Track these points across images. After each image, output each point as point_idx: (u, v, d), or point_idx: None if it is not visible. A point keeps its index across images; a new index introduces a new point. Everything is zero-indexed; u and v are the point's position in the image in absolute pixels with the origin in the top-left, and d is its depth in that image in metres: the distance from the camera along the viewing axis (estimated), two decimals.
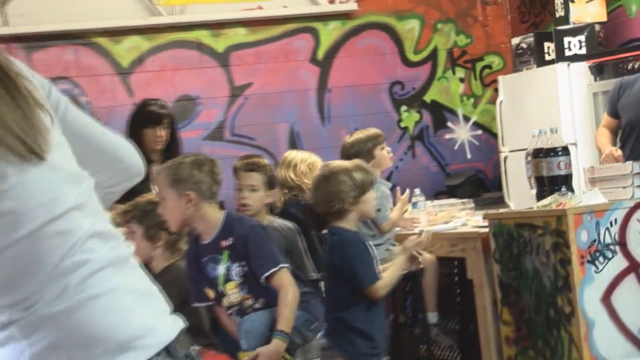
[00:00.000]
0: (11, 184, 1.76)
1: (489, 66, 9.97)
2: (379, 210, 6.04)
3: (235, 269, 4.62)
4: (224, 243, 4.63)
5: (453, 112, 9.87)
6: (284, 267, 4.59)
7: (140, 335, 1.83)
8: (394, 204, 6.39)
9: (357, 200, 4.62)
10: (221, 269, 4.64)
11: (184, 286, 4.72)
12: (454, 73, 9.88)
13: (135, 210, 4.93)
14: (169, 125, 6.46)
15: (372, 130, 6.41)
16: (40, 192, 1.79)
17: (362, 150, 6.20)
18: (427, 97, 9.79)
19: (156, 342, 1.86)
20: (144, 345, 1.83)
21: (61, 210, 1.81)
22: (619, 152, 6.10)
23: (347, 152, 6.22)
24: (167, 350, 1.87)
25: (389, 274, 4.63)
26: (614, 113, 6.44)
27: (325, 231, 4.88)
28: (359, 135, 6.34)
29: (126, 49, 8.84)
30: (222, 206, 4.97)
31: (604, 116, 6.62)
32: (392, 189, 6.61)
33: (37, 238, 1.77)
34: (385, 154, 6.34)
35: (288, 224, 5.59)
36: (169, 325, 1.92)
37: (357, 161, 4.92)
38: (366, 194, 4.66)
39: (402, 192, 6.45)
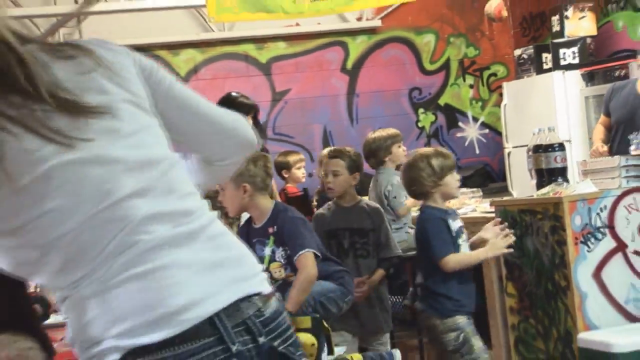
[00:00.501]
0: (57, 184, 1.67)
1: (494, 74, 9.94)
2: (394, 197, 6.04)
3: (280, 252, 4.64)
4: (270, 230, 4.65)
5: (463, 114, 9.86)
6: (310, 252, 4.56)
7: (178, 311, 1.68)
8: None
9: (438, 183, 4.56)
10: (267, 251, 4.66)
11: None
12: (464, 80, 9.86)
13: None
14: (254, 115, 6.43)
15: (392, 130, 6.39)
16: (88, 188, 1.69)
17: (382, 147, 6.18)
18: (441, 101, 9.78)
19: (195, 315, 1.69)
20: (182, 320, 1.68)
21: (112, 201, 1.70)
22: (604, 149, 6.14)
23: (369, 147, 6.20)
24: (211, 321, 1.70)
25: (466, 254, 4.59)
26: (607, 113, 6.42)
27: None
28: (381, 133, 6.32)
29: (183, 61, 8.89)
30: (271, 196, 4.98)
31: (601, 115, 6.59)
32: None
33: (83, 229, 1.68)
34: (401, 152, 6.31)
35: (374, 204, 5.58)
36: (224, 296, 1.73)
37: (437, 148, 4.89)
38: (446, 177, 4.59)
39: None
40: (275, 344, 1.80)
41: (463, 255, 4.56)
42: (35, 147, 1.65)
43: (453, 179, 4.65)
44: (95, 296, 1.69)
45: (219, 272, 1.77)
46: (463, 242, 4.65)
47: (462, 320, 4.56)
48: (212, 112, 2.00)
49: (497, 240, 4.70)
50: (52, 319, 4.28)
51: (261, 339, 1.77)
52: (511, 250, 4.76)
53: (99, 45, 1.83)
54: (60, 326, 4.07)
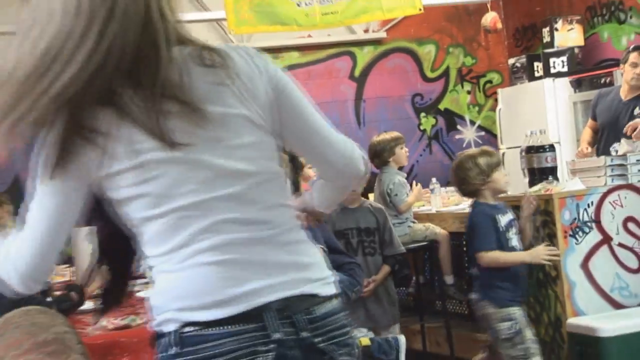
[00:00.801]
0: (151, 176, 1.76)
1: (490, 81, 9.92)
2: (396, 195, 6.02)
3: None
4: None
5: (462, 118, 9.83)
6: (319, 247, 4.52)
7: (232, 299, 1.77)
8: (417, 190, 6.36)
9: (486, 180, 4.50)
10: None
11: None
12: (462, 87, 9.84)
13: None
14: None
15: (395, 133, 6.36)
16: (178, 185, 1.77)
17: (386, 148, 6.15)
18: (441, 106, 9.76)
19: (247, 304, 1.77)
20: (233, 307, 1.77)
21: (198, 199, 1.77)
22: (589, 150, 6.16)
23: (374, 149, 6.18)
24: (259, 311, 1.78)
25: (505, 254, 4.49)
26: (594, 117, 6.41)
27: None
28: (385, 136, 6.29)
29: None
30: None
31: (589, 119, 6.57)
32: (406, 179, 6.54)
33: (170, 217, 1.78)
34: (403, 153, 6.29)
35: (377, 205, 5.57)
36: (278, 293, 1.80)
37: (483, 148, 4.83)
38: (494, 174, 4.52)
39: (416, 183, 6.42)
40: (317, 340, 1.83)
41: (500, 254, 4.46)
42: (137, 139, 1.74)
43: (500, 175, 4.57)
44: (169, 273, 1.81)
45: (280, 272, 1.82)
46: (513, 235, 4.55)
47: (516, 311, 4.47)
48: (330, 137, 1.99)
49: (540, 249, 4.61)
50: (86, 305, 4.29)
51: (303, 334, 1.81)
52: (549, 263, 4.65)
53: (243, 56, 1.87)
54: (90, 312, 4.08)
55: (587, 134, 6.45)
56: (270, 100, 1.86)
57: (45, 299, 3.88)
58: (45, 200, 1.80)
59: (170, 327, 1.80)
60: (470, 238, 4.57)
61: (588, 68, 8.19)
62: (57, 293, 4.15)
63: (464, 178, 4.53)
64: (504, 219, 4.52)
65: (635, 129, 5.48)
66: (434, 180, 6.75)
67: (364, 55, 9.52)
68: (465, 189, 4.61)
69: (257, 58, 1.88)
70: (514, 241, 4.55)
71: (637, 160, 5.08)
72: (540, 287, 5.10)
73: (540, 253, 4.57)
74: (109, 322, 3.52)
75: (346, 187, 2.15)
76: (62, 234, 1.83)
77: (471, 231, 4.56)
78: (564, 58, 8.27)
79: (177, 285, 1.80)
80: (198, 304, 1.77)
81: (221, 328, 1.76)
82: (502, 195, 4.80)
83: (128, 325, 3.46)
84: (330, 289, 1.89)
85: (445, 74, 9.79)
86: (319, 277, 1.88)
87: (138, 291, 4.72)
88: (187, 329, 1.77)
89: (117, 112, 1.73)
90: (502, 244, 4.49)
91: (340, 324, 1.89)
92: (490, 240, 4.45)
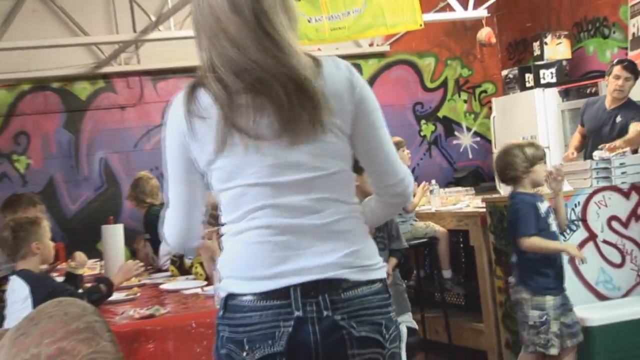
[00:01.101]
0: (231, 154, 1.90)
1: (485, 91, 9.90)
2: None
3: None
4: None
5: (459, 124, 9.82)
6: None
7: (269, 277, 1.90)
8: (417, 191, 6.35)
9: (528, 170, 4.33)
10: None
11: None
12: (459, 96, 9.83)
13: None
14: None
15: (397, 138, 6.34)
16: (251, 165, 1.89)
17: None
18: (440, 114, 9.75)
19: (279, 283, 1.89)
20: (268, 283, 1.90)
21: (263, 181, 1.89)
22: (574, 155, 6.14)
23: None
24: (288, 289, 1.89)
25: (545, 241, 4.28)
26: (582, 123, 6.39)
27: None
28: None
29: None
30: None
31: (578, 125, 6.53)
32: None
33: (239, 191, 1.93)
34: (405, 155, 6.29)
35: None
36: (309, 275, 1.91)
37: (530, 140, 4.69)
38: (536, 165, 4.34)
39: (418, 184, 6.42)
40: (337, 317, 1.88)
41: (541, 241, 4.28)
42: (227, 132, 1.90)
43: (541, 169, 4.40)
44: (228, 242, 1.98)
45: (314, 257, 1.90)
46: (552, 221, 4.38)
47: (551, 301, 4.30)
48: (393, 157, 2.07)
49: (573, 247, 4.43)
50: (114, 296, 4.29)
51: (326, 312, 1.88)
52: (584, 257, 4.41)
53: (335, 65, 1.97)
54: (120, 302, 4.09)
55: (575, 139, 6.44)
56: (351, 109, 1.94)
57: (77, 290, 3.89)
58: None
59: (222, 293, 1.96)
60: (512, 225, 4.39)
61: (575, 79, 8.18)
62: (87, 285, 4.16)
63: (510, 164, 4.35)
64: (543, 206, 4.37)
65: (613, 148, 5.44)
66: (433, 181, 6.74)
67: (369, 67, 9.51)
68: (508, 175, 4.40)
69: (347, 69, 1.97)
70: (554, 227, 4.39)
71: (621, 164, 5.06)
72: None
73: (575, 249, 4.40)
74: (135, 311, 3.53)
75: (395, 204, 2.19)
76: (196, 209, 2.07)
77: (513, 218, 4.38)
78: (553, 70, 8.25)
79: (230, 258, 1.97)
80: (240, 277, 1.92)
81: (253, 301, 1.88)
82: (496, 196, 4.79)
83: (152, 314, 3.46)
84: (367, 275, 1.95)
85: (444, 84, 9.77)
86: (357, 265, 1.94)
87: (161, 283, 4.73)
88: (230, 297, 1.92)
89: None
90: (543, 229, 4.32)
91: (367, 305, 1.93)
92: (531, 225, 4.28)
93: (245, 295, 1.89)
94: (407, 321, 5.00)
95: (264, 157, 1.89)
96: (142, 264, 4.42)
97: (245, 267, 1.92)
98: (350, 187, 2.01)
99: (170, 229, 2.10)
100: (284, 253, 1.89)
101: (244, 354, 1.87)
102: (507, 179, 4.44)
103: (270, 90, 1.85)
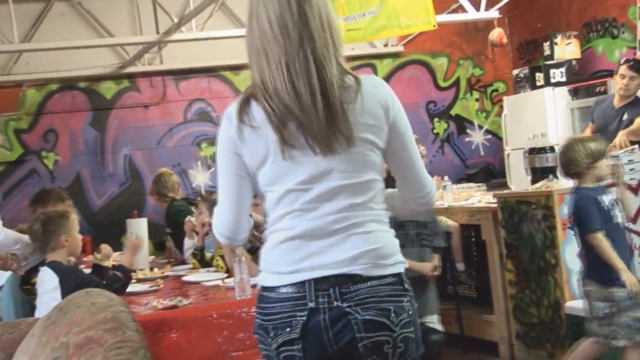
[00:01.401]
0: (275, 162, 2.05)
1: (496, 90, 9.87)
2: None
3: None
4: None
5: (471, 122, 9.79)
6: None
7: (291, 272, 2.06)
8: None
9: (592, 165, 4.16)
10: None
11: None
12: (471, 95, 9.80)
13: None
14: None
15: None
16: (286, 173, 2.06)
17: None
18: (453, 112, 9.73)
19: (299, 278, 2.05)
20: (291, 277, 2.06)
21: (292, 188, 2.05)
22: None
23: None
24: (304, 283, 2.05)
25: (609, 250, 4.05)
26: (592, 121, 6.36)
27: None
28: None
29: (243, 79, 8.89)
30: None
31: (589, 123, 6.49)
32: None
33: (282, 194, 2.07)
34: (422, 151, 6.27)
35: None
36: (324, 271, 2.04)
37: (593, 135, 4.54)
38: (599, 160, 4.18)
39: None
40: (345, 305, 2.02)
41: (605, 245, 4.07)
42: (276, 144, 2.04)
43: (604, 164, 4.24)
44: (268, 238, 2.13)
45: (334, 255, 2.04)
46: (617, 213, 4.21)
47: (619, 293, 4.07)
48: (421, 171, 2.22)
49: (632, 277, 4.11)
50: (139, 287, 4.31)
51: (336, 303, 2.02)
52: (633, 291, 4.09)
53: (372, 84, 2.09)
54: (144, 293, 4.11)
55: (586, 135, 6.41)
56: (385, 128, 2.09)
57: (102, 282, 3.91)
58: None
59: (258, 284, 2.15)
60: (578, 221, 4.24)
61: (584, 78, 8.14)
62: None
63: (573, 159, 4.21)
64: (606, 199, 4.20)
65: (619, 144, 5.40)
66: (446, 178, 6.72)
67: (384, 67, 9.50)
68: (571, 170, 4.26)
69: (385, 89, 2.11)
70: (619, 218, 4.21)
71: (629, 161, 5.03)
72: (541, 274, 5.07)
73: (632, 276, 4.10)
74: (159, 302, 3.54)
75: (419, 210, 2.34)
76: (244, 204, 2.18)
77: (577, 215, 4.23)
78: (563, 69, 8.21)
79: (265, 253, 2.14)
80: (270, 271, 2.10)
81: (276, 294, 2.07)
82: (507, 192, 4.76)
83: (175, 305, 3.47)
84: (379, 271, 2.06)
85: (456, 83, 9.75)
86: (370, 262, 2.05)
87: (184, 275, 4.74)
88: (262, 289, 2.11)
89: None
90: (607, 221, 4.15)
91: (375, 294, 2.04)
92: (595, 221, 4.12)
93: (272, 288, 2.08)
94: (429, 322, 4.91)
95: (302, 166, 2.04)
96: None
97: (273, 262, 2.10)
98: (379, 195, 2.13)
99: (221, 221, 2.20)
100: (307, 252, 2.05)
101: (269, 339, 2.08)
102: (571, 174, 4.32)
103: (310, 114, 2.01)
